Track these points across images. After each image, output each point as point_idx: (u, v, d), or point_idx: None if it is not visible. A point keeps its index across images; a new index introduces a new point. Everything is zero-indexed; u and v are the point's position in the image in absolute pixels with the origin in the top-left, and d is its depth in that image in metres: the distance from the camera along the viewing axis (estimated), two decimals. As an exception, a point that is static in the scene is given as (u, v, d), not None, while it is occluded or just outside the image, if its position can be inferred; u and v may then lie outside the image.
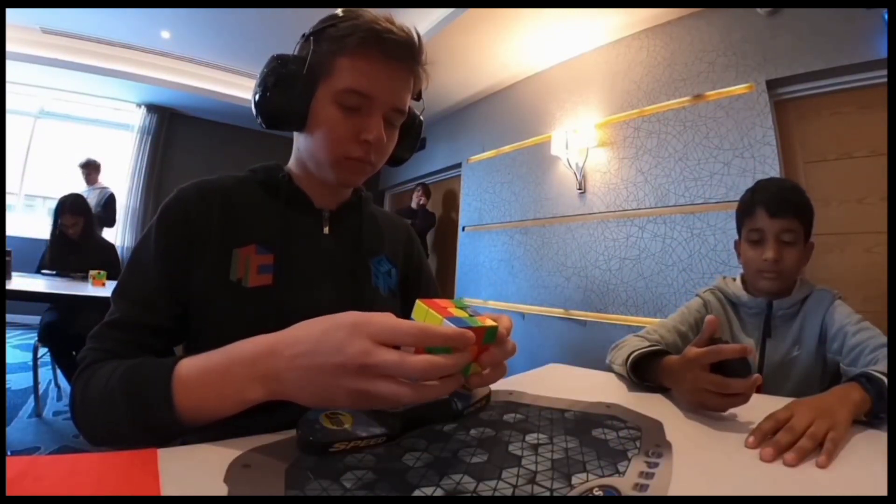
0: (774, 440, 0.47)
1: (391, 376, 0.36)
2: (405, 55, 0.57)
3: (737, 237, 1.05)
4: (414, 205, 4.27)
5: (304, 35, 0.60)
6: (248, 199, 0.62)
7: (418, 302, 0.40)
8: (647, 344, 0.80)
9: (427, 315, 0.39)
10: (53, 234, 2.46)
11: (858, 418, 0.54)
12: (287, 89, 0.57)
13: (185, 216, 0.58)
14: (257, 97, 0.59)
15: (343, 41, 0.55)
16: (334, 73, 0.57)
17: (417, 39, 0.58)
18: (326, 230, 0.65)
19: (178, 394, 0.42)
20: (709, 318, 0.63)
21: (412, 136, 0.69)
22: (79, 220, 2.42)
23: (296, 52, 0.60)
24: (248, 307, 0.57)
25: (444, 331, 0.36)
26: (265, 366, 0.40)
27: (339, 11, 0.58)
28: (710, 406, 0.58)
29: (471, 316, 0.40)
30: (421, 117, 0.70)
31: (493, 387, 0.62)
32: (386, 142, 0.61)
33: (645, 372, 0.72)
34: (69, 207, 2.39)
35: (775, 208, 0.93)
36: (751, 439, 0.48)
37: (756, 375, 0.56)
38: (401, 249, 0.76)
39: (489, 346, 0.42)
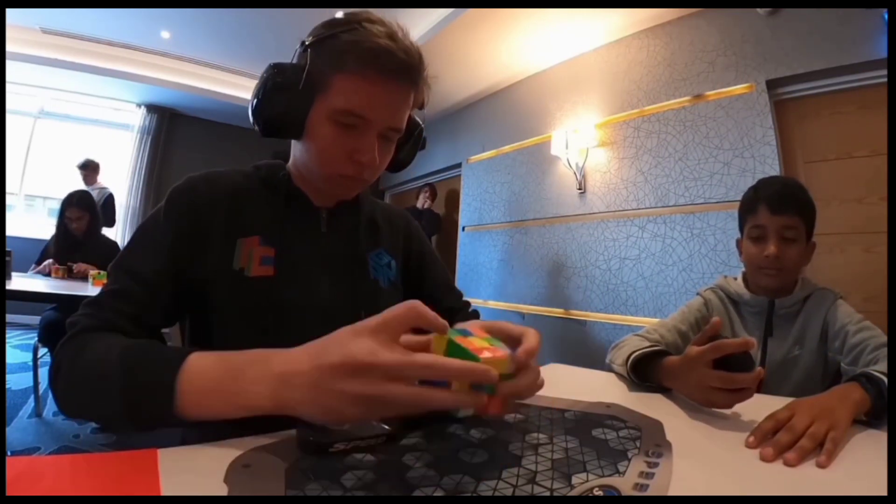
0: (775, 440, 0.47)
1: (398, 378, 0.36)
2: (403, 76, 0.56)
3: (738, 236, 1.05)
4: (420, 205, 4.19)
5: (303, 42, 0.58)
6: (252, 193, 0.63)
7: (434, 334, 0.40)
8: (648, 344, 0.80)
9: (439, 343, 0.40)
10: (59, 228, 2.46)
11: (858, 418, 0.54)
12: (283, 100, 0.56)
13: (194, 201, 0.59)
14: (254, 105, 0.58)
15: (341, 57, 0.54)
16: (331, 89, 0.56)
17: (418, 57, 0.57)
18: (324, 228, 0.66)
19: (183, 382, 0.40)
20: (714, 319, 0.63)
21: (413, 143, 0.69)
22: (84, 214, 2.42)
23: (294, 61, 0.58)
24: (249, 296, 0.58)
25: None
26: (281, 368, 0.39)
27: (339, 14, 0.57)
28: (717, 403, 0.58)
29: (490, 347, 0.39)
30: (422, 125, 0.70)
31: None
32: (380, 160, 0.60)
33: (645, 372, 0.72)
34: (76, 201, 2.40)
35: (777, 205, 0.93)
36: (751, 439, 0.48)
37: (759, 368, 0.56)
38: (400, 240, 0.76)
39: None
